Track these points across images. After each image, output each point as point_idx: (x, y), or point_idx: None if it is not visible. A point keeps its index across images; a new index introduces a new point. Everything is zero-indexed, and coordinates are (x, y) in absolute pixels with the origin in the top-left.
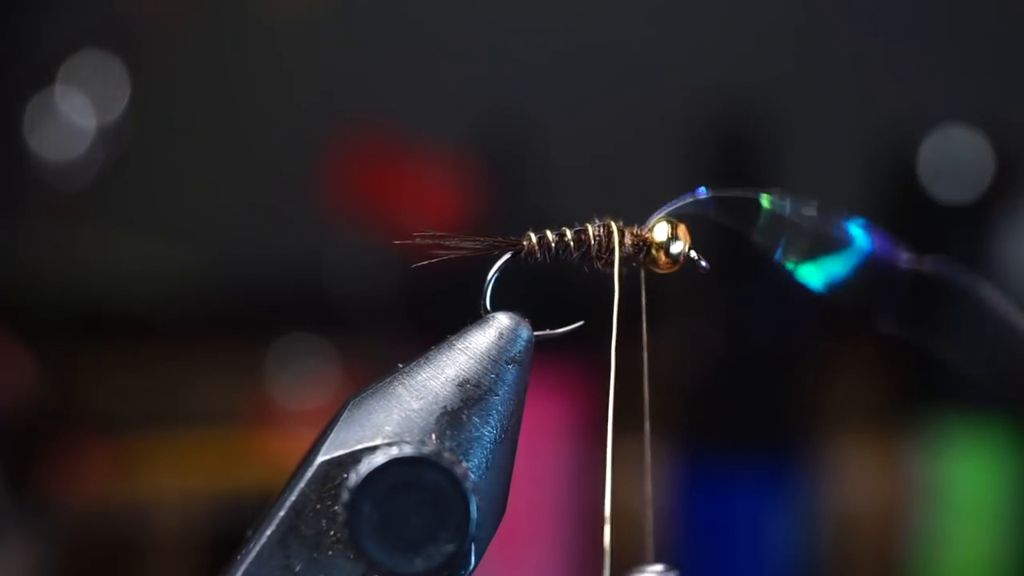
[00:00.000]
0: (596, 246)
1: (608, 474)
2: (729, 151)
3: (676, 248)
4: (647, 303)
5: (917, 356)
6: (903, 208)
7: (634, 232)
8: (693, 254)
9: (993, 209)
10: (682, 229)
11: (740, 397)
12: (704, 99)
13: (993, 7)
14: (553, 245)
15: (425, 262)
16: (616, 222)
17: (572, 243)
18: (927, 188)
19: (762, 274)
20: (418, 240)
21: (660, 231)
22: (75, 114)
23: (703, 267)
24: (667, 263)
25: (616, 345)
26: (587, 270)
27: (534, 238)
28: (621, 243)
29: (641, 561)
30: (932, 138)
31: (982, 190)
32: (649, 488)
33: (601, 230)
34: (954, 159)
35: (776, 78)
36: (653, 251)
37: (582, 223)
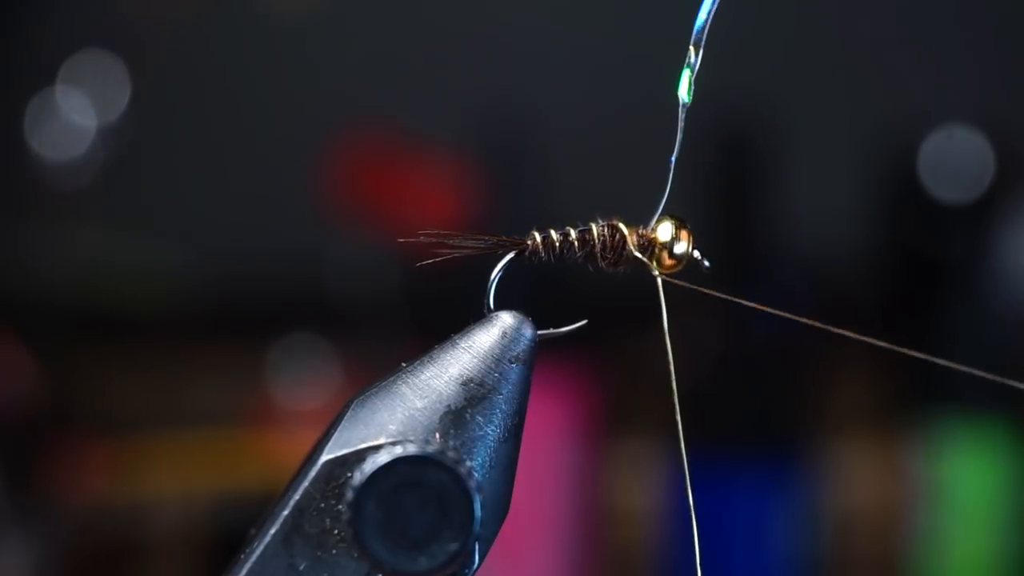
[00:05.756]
0: (600, 246)
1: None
2: (729, 151)
3: (680, 248)
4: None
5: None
6: (903, 208)
7: (639, 232)
8: (696, 254)
9: (993, 209)
10: (685, 229)
11: (740, 397)
12: (704, 99)
13: (993, 7)
14: (557, 244)
15: (428, 261)
16: (620, 222)
17: (576, 243)
18: (927, 188)
19: (762, 274)
20: (422, 239)
21: (664, 231)
22: (75, 114)
23: (706, 267)
24: (671, 263)
25: (668, 342)
26: (591, 269)
27: (538, 237)
28: (635, 243)
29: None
30: (932, 138)
31: (982, 190)
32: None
33: (606, 230)
34: (954, 159)
35: (777, 78)
36: (656, 251)
37: (584, 223)
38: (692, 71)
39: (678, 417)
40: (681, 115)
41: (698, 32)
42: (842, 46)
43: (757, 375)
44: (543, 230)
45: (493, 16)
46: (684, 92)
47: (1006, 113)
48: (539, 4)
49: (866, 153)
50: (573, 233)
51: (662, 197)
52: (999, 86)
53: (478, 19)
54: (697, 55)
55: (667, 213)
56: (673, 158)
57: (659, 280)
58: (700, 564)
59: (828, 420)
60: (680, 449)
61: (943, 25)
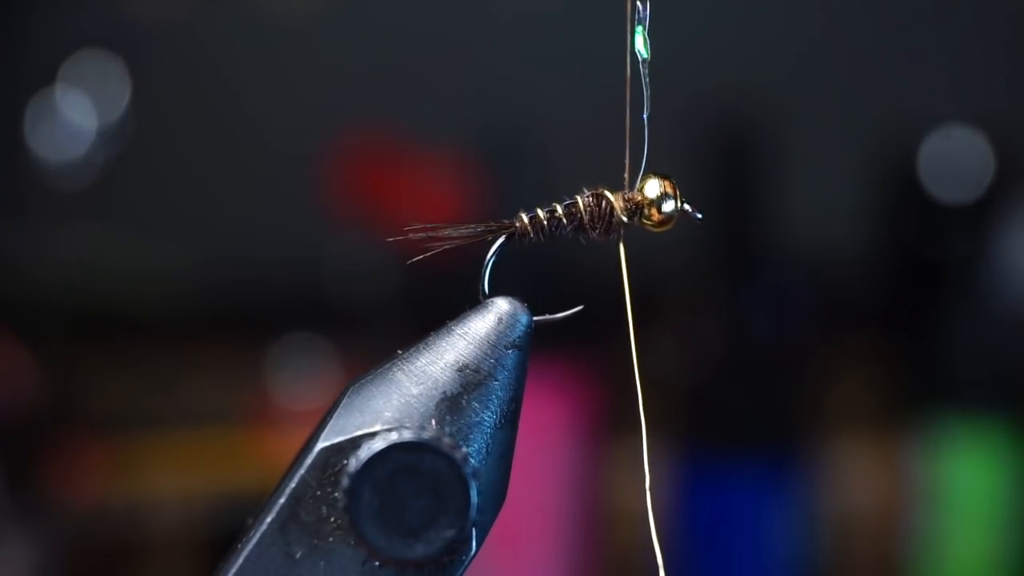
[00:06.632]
0: (589, 216)
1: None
2: (730, 151)
3: (669, 204)
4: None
5: (917, 356)
6: (903, 208)
7: (625, 196)
8: (687, 207)
9: (993, 209)
10: (670, 184)
11: (740, 397)
12: (705, 100)
13: (993, 7)
14: (545, 222)
15: (420, 257)
16: (605, 189)
17: (564, 217)
18: (927, 188)
19: (762, 274)
20: (411, 234)
21: (651, 188)
22: (75, 114)
23: (698, 219)
24: (661, 219)
25: (632, 319)
26: (584, 242)
27: (526, 218)
28: (622, 208)
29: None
30: (932, 138)
31: (982, 190)
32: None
33: (591, 199)
34: (954, 159)
35: (777, 78)
36: (646, 210)
37: (570, 196)
38: (644, 25)
39: (640, 399)
40: (643, 71)
41: None
42: (842, 47)
43: (757, 375)
44: (530, 210)
45: (493, 18)
46: (641, 48)
47: (1006, 113)
48: (538, 6)
49: (866, 153)
50: (559, 208)
51: (642, 157)
52: (999, 86)
53: (478, 21)
54: (645, 8)
55: (649, 171)
56: (645, 116)
57: (622, 248)
58: (663, 563)
59: (828, 420)
60: (641, 430)
61: (943, 26)
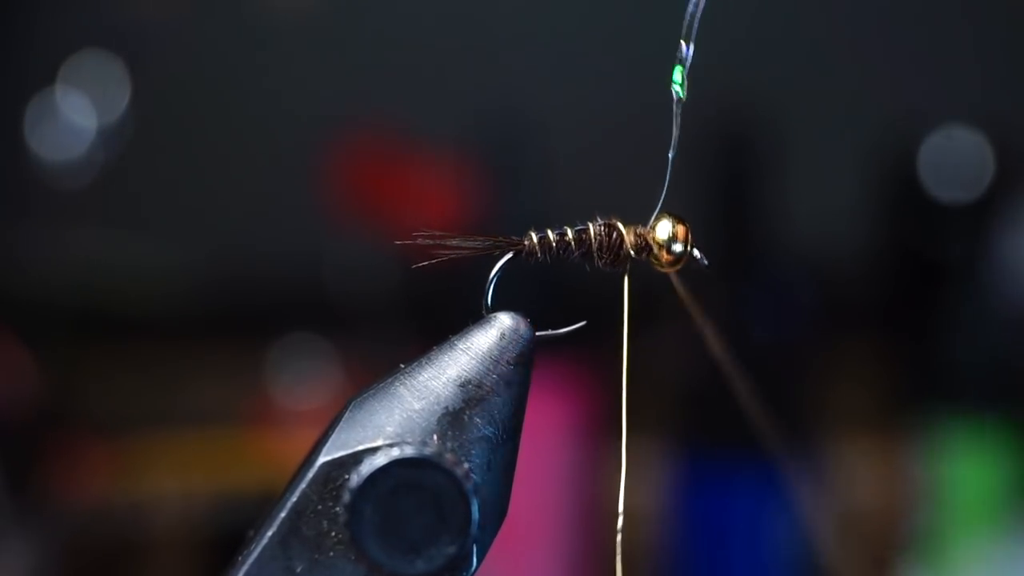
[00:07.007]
0: (598, 245)
1: (623, 474)
2: (730, 151)
3: (678, 247)
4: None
5: (917, 356)
6: (903, 208)
7: (637, 231)
8: (696, 253)
9: (993, 209)
10: (683, 227)
11: (740, 397)
12: (705, 99)
13: (993, 7)
14: (554, 245)
15: (426, 262)
16: (618, 221)
17: (573, 243)
18: (927, 188)
19: (762, 274)
20: (419, 240)
21: (662, 229)
22: (75, 114)
23: (705, 265)
24: (669, 260)
25: (627, 346)
26: (588, 269)
27: (535, 238)
28: (632, 243)
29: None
30: (932, 138)
31: (982, 190)
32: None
33: (603, 229)
34: (954, 159)
35: (777, 79)
36: (655, 249)
37: (583, 222)
38: (685, 65)
39: (624, 409)
40: (676, 110)
41: (687, 25)
42: (842, 46)
43: (757, 375)
44: (540, 230)
45: (492, 17)
46: (678, 87)
47: (1006, 113)
48: (538, 5)
49: (866, 153)
50: (570, 233)
51: (660, 195)
52: (999, 86)
53: (478, 20)
54: (688, 49)
55: (666, 211)
56: (671, 155)
57: (626, 282)
58: (620, 559)
59: (828, 420)
60: (622, 442)
61: (943, 25)
